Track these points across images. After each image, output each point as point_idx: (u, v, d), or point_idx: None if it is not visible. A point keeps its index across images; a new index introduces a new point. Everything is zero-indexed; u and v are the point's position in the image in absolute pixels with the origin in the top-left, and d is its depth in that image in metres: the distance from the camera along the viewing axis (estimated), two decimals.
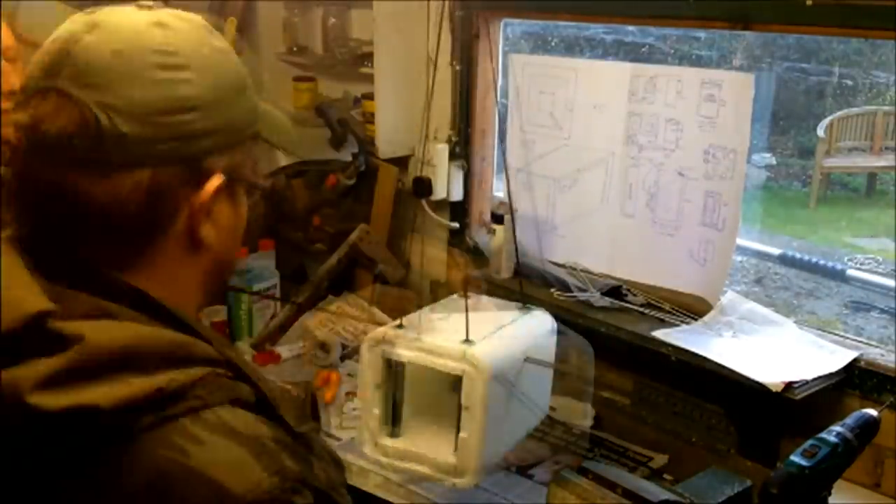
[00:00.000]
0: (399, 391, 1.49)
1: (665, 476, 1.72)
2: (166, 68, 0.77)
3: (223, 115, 0.80)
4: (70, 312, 0.72)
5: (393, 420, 1.50)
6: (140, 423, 0.70)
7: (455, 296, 1.68)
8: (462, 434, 1.40)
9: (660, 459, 1.80)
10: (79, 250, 0.77)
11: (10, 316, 0.71)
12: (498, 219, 2.10)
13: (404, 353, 1.44)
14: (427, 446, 1.48)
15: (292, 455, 0.75)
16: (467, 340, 1.41)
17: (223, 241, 0.83)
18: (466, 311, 1.46)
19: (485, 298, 1.72)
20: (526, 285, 2.11)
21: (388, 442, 1.49)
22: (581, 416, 1.97)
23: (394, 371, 1.48)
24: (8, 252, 0.76)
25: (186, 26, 0.81)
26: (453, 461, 1.43)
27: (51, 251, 0.77)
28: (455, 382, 1.45)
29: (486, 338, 1.45)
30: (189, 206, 0.79)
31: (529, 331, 1.60)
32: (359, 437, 1.53)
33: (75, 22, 0.79)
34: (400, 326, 1.48)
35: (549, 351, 1.65)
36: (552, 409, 2.01)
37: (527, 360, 1.51)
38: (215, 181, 0.80)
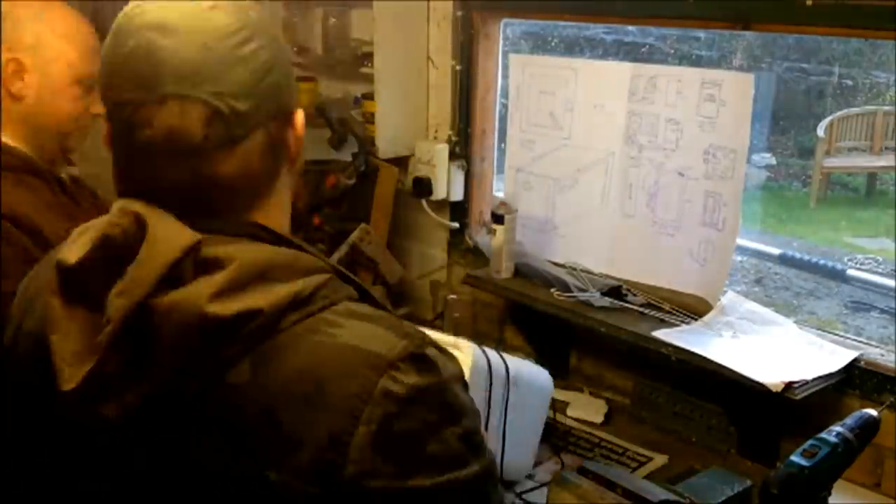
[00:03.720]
0: None
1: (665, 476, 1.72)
2: (243, 44, 0.90)
3: (284, 59, 0.95)
4: (214, 244, 0.87)
5: None
6: (287, 320, 0.86)
7: None
8: None
9: (660, 459, 1.80)
10: (213, 211, 0.90)
11: (170, 247, 0.84)
12: (498, 219, 2.10)
13: None
14: None
15: (409, 326, 0.92)
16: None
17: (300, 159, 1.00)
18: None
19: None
20: (526, 285, 2.12)
21: None
22: (593, 411, 1.99)
23: None
24: (152, 207, 0.88)
25: (227, 1, 0.92)
26: None
27: (187, 215, 0.89)
28: None
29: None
30: (292, 141, 0.96)
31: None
32: None
33: (133, 31, 0.88)
34: None
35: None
36: (566, 403, 2.02)
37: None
38: (300, 114, 0.97)
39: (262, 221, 0.93)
